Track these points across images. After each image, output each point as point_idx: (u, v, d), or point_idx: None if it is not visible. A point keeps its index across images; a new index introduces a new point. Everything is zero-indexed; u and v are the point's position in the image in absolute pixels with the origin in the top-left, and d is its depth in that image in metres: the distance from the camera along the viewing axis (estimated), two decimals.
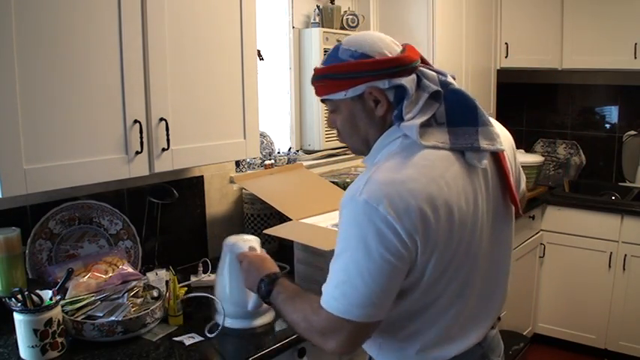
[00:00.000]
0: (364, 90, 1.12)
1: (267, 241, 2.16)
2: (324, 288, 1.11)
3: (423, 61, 1.18)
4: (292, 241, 1.81)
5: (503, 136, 1.26)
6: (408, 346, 1.19)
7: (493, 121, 1.19)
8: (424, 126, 1.10)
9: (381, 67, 1.10)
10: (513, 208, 1.27)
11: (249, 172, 2.33)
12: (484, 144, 1.11)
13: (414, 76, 1.12)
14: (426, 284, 1.11)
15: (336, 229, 1.70)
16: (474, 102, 1.13)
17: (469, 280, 1.17)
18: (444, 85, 1.13)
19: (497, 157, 1.19)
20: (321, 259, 1.78)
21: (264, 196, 2.02)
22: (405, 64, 1.11)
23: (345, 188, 2.47)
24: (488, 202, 1.18)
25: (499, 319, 1.35)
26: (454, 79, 1.17)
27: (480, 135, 1.11)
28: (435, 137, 1.10)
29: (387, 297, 1.07)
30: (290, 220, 1.92)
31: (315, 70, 1.20)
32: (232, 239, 1.58)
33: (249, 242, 1.55)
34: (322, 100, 1.22)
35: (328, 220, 1.92)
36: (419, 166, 1.06)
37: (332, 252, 1.43)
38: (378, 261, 1.02)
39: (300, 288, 1.25)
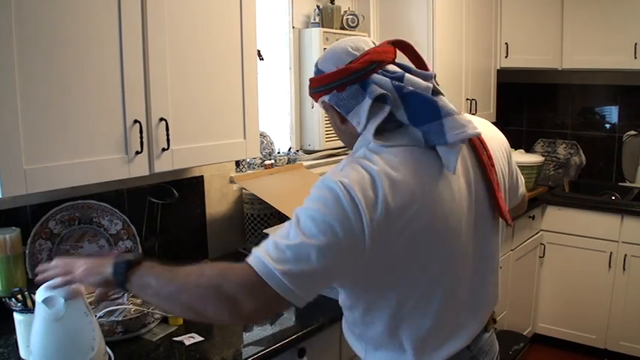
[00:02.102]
0: (321, 103, 1.19)
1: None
2: (257, 250, 1.04)
3: (417, 60, 1.19)
4: None
5: (493, 137, 1.26)
6: (395, 351, 1.18)
7: (480, 120, 1.20)
8: (387, 130, 1.11)
9: (324, 83, 1.15)
10: (491, 211, 1.23)
11: (249, 172, 2.33)
12: (452, 135, 1.07)
13: (354, 87, 1.12)
14: (403, 284, 1.10)
15: None
16: (431, 97, 1.10)
17: (452, 283, 1.16)
18: (398, 88, 1.11)
19: (481, 162, 1.18)
20: None
21: (263, 196, 2.02)
22: (339, 77, 1.12)
23: None
24: (470, 203, 1.16)
25: (494, 321, 1.33)
26: (434, 77, 1.16)
27: (445, 126, 1.08)
28: (401, 137, 1.11)
29: (317, 279, 1.03)
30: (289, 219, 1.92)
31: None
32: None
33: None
34: None
35: None
36: (392, 162, 1.06)
37: None
38: (329, 238, 1.00)
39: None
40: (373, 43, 1.17)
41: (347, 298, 1.21)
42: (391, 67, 1.14)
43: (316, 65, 1.19)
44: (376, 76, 1.12)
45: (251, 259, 1.03)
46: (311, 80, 1.20)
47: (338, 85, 1.13)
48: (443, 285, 1.14)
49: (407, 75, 1.12)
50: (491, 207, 1.22)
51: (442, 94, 1.13)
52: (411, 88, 1.11)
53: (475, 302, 1.24)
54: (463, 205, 1.14)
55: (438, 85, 1.15)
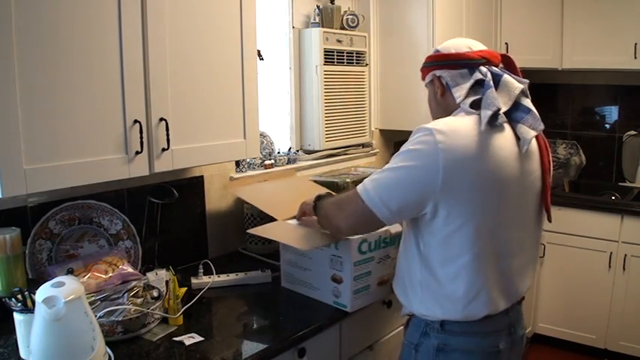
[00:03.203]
0: (432, 77, 1.48)
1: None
2: (365, 180, 1.41)
3: (510, 68, 1.48)
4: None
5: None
6: (447, 293, 1.38)
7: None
8: (477, 107, 1.37)
9: (437, 60, 1.46)
10: (542, 200, 1.48)
11: (245, 175, 2.32)
12: (523, 133, 1.37)
13: (464, 70, 1.41)
14: (465, 230, 1.32)
15: (322, 230, 1.72)
16: (528, 107, 1.43)
17: (508, 245, 1.39)
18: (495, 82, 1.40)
19: (543, 162, 1.45)
20: (305, 259, 1.78)
21: (250, 199, 2.02)
22: (452, 59, 1.43)
23: (344, 188, 2.47)
24: (526, 183, 1.41)
25: (523, 297, 1.53)
26: (527, 84, 1.45)
27: (521, 128, 1.38)
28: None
29: (405, 207, 1.35)
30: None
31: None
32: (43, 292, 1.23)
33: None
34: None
35: (312, 220, 1.91)
36: (474, 125, 1.33)
37: (311, 252, 1.74)
38: (411, 170, 1.31)
39: None
40: (484, 47, 1.47)
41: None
42: (495, 69, 1.43)
43: (435, 49, 1.50)
44: (482, 68, 1.41)
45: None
46: (428, 57, 1.50)
47: (451, 64, 1.43)
48: (497, 243, 1.37)
49: (505, 75, 1.41)
50: (541, 200, 1.46)
51: (528, 97, 1.44)
52: (505, 89, 1.40)
53: (518, 275, 1.45)
54: (524, 182, 1.40)
55: (527, 90, 1.44)
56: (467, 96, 1.38)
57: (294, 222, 1.86)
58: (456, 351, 1.41)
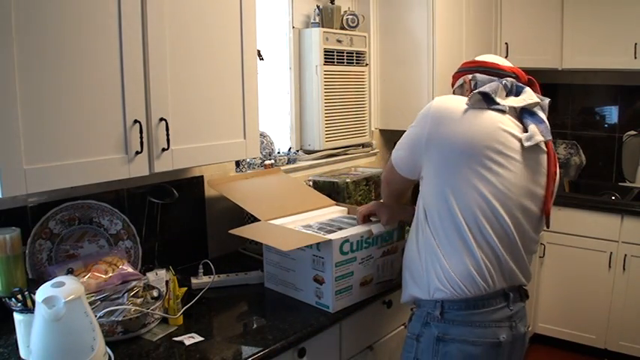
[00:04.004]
0: (462, 81, 1.64)
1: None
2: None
3: (533, 88, 1.62)
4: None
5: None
6: (447, 268, 1.45)
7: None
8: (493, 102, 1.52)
9: (469, 66, 1.66)
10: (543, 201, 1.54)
11: (224, 176, 2.30)
12: (526, 135, 1.48)
13: (495, 79, 1.57)
14: (444, 197, 1.45)
15: (304, 230, 1.73)
16: (532, 110, 1.56)
17: (513, 230, 1.45)
18: (517, 91, 1.59)
19: (549, 170, 1.52)
20: (288, 260, 1.78)
21: (234, 198, 2.01)
22: (481, 66, 1.64)
23: (344, 188, 2.47)
24: (535, 184, 1.49)
25: (527, 296, 1.62)
26: (546, 101, 1.60)
27: (529, 128, 1.50)
28: (501, 108, 1.51)
29: (412, 164, 1.56)
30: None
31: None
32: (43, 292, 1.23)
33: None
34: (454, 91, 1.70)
35: (298, 221, 1.92)
36: (489, 114, 1.48)
37: (292, 252, 1.75)
38: (413, 139, 1.54)
39: None
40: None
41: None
42: (519, 84, 1.61)
43: (471, 60, 1.70)
44: (509, 79, 1.58)
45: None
46: (463, 64, 1.71)
47: (484, 70, 1.63)
48: (512, 230, 1.46)
49: (527, 88, 1.59)
50: (542, 203, 1.52)
51: (545, 112, 1.57)
52: (523, 96, 1.57)
53: (518, 267, 1.50)
54: (531, 177, 1.48)
55: (545, 105, 1.59)
56: (495, 94, 1.52)
57: (277, 222, 1.86)
58: (455, 341, 1.45)
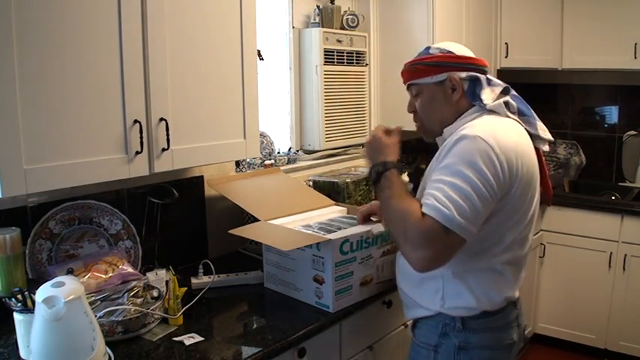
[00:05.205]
0: (446, 77, 1.44)
1: None
2: (428, 201, 1.26)
3: None
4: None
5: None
6: (471, 284, 1.40)
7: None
8: (505, 107, 1.43)
9: (461, 62, 1.46)
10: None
11: (224, 176, 2.30)
12: (541, 132, 1.48)
13: (485, 76, 1.46)
14: (509, 223, 1.37)
15: (304, 230, 1.72)
16: (525, 103, 1.50)
17: (526, 230, 1.43)
18: (507, 89, 1.48)
19: (539, 156, 1.48)
20: (288, 260, 1.78)
21: (234, 198, 2.01)
22: (480, 64, 1.48)
23: (344, 188, 2.47)
24: (538, 178, 1.46)
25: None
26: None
27: (537, 125, 1.48)
28: (514, 116, 1.45)
29: (484, 215, 1.29)
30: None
31: (407, 63, 1.51)
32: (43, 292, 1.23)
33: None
34: (408, 86, 1.53)
35: (298, 221, 1.92)
36: (509, 124, 1.40)
37: (292, 252, 1.70)
38: (483, 181, 1.25)
39: (406, 189, 1.39)
40: None
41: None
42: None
43: (442, 48, 1.48)
44: (490, 77, 1.48)
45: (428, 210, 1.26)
46: (439, 56, 1.46)
47: (474, 68, 1.46)
48: (524, 229, 1.42)
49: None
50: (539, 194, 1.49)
51: None
52: (514, 92, 1.49)
53: (525, 260, 1.50)
54: (536, 176, 1.44)
55: None
56: (497, 99, 1.44)
57: (276, 222, 1.86)
58: (476, 348, 1.44)
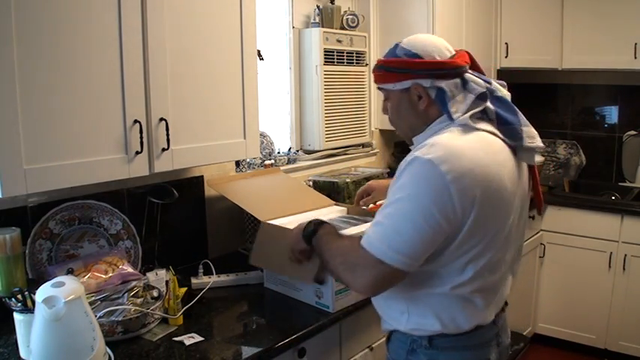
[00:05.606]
0: (410, 85, 1.29)
1: None
2: (368, 229, 1.22)
3: (476, 68, 1.34)
4: None
5: None
6: (442, 306, 1.28)
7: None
8: (477, 118, 1.27)
9: (426, 68, 1.27)
10: (529, 203, 1.41)
11: (224, 176, 2.30)
12: (527, 141, 1.29)
13: (457, 80, 1.28)
14: (464, 248, 1.22)
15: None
16: (514, 107, 1.32)
17: (498, 255, 1.28)
18: (490, 91, 1.30)
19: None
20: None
21: (234, 198, 2.01)
22: (447, 67, 1.27)
23: (344, 188, 2.47)
24: (521, 189, 1.33)
25: (507, 303, 1.46)
26: (504, 86, 1.34)
27: (523, 133, 1.29)
28: (489, 127, 1.28)
29: (424, 251, 1.19)
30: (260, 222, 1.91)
31: (377, 60, 1.37)
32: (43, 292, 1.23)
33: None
34: (378, 88, 1.40)
35: (297, 221, 1.89)
36: (476, 141, 1.23)
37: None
38: (427, 217, 1.15)
39: (336, 232, 1.39)
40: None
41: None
42: (477, 73, 1.31)
43: (408, 49, 1.30)
44: (470, 75, 1.29)
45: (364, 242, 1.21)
46: (401, 61, 1.29)
47: (442, 73, 1.27)
48: (495, 255, 1.27)
49: (494, 82, 1.31)
50: (528, 199, 1.38)
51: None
52: (499, 93, 1.31)
53: (503, 281, 1.38)
54: (519, 192, 1.31)
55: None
56: (466, 112, 1.25)
57: (276, 222, 1.86)
58: None
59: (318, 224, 1.41)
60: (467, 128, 1.24)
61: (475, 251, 1.23)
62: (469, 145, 1.20)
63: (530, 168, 1.38)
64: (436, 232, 1.16)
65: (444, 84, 1.27)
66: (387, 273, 1.18)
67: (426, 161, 1.15)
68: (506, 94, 1.33)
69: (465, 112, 1.25)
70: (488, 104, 1.28)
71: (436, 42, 1.31)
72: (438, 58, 1.27)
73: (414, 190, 1.16)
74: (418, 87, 1.28)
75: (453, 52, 1.31)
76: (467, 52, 1.34)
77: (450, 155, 1.16)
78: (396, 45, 1.33)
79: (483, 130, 1.26)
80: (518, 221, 1.35)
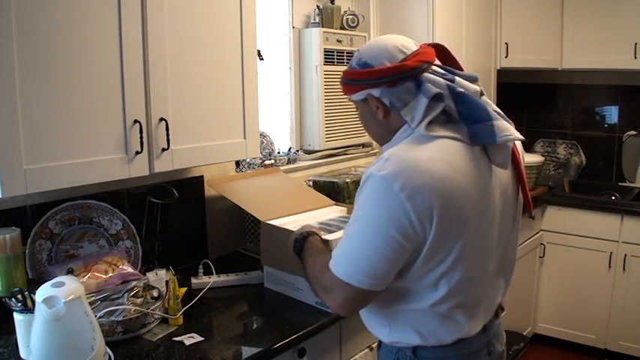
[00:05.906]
0: (365, 96, 1.23)
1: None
2: (334, 251, 1.21)
3: (449, 61, 1.26)
4: None
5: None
6: (423, 320, 1.24)
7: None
8: (435, 122, 1.17)
9: (373, 78, 1.20)
10: (521, 203, 1.35)
11: (224, 176, 2.30)
12: (501, 136, 1.17)
13: (409, 84, 1.18)
14: (431, 264, 1.16)
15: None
16: (481, 101, 1.20)
17: (475, 267, 1.22)
18: (451, 88, 1.18)
19: (515, 160, 1.27)
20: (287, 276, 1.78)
21: (234, 198, 2.01)
22: (393, 73, 1.18)
23: (344, 188, 2.47)
24: (500, 194, 1.25)
25: (502, 309, 1.42)
26: (473, 79, 1.23)
27: (495, 128, 1.17)
28: (449, 131, 1.17)
29: (389, 270, 1.15)
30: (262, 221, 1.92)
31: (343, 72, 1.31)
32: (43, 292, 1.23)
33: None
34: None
35: (297, 221, 1.91)
36: (433, 150, 1.14)
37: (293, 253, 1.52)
38: (385, 237, 1.11)
39: (324, 247, 1.40)
40: (415, 44, 1.23)
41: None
42: (436, 68, 1.21)
43: (360, 58, 1.23)
44: (428, 75, 1.19)
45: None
46: (354, 73, 1.24)
47: (390, 80, 1.18)
48: (470, 268, 1.20)
49: (457, 78, 1.20)
50: (516, 202, 1.32)
51: (484, 95, 1.22)
52: (462, 89, 1.19)
53: (489, 292, 1.31)
54: (497, 197, 1.23)
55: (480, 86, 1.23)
56: (423, 118, 1.17)
57: (276, 222, 1.86)
58: None
59: (303, 239, 1.42)
60: (423, 138, 1.16)
61: (444, 266, 1.17)
62: (425, 156, 1.12)
63: (517, 170, 1.29)
64: (397, 251, 1.12)
65: (388, 92, 1.19)
66: (356, 294, 1.16)
67: (380, 179, 1.10)
68: (471, 87, 1.20)
69: (423, 118, 1.16)
70: (449, 104, 1.17)
71: (388, 45, 1.21)
72: (388, 64, 1.18)
73: (370, 209, 1.13)
74: (371, 97, 1.22)
75: (412, 51, 1.20)
76: (434, 46, 1.25)
77: (403, 170, 1.09)
78: (356, 53, 1.27)
79: (443, 137, 1.16)
80: (502, 227, 1.28)
